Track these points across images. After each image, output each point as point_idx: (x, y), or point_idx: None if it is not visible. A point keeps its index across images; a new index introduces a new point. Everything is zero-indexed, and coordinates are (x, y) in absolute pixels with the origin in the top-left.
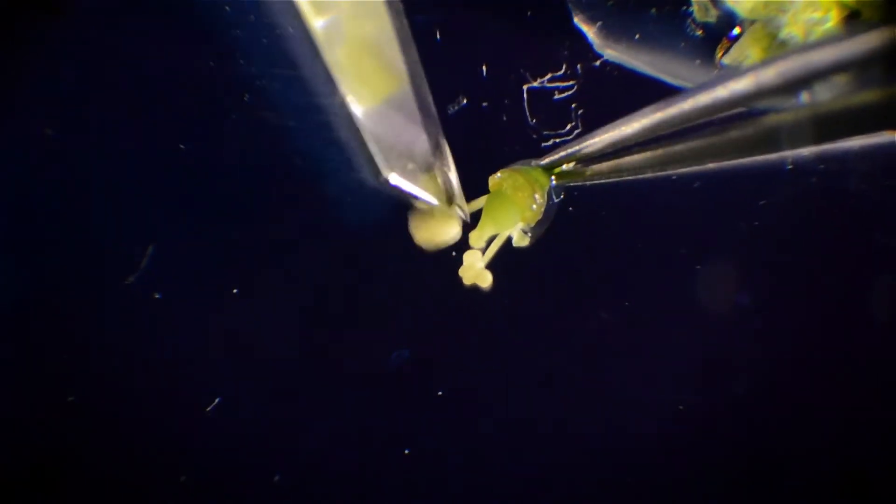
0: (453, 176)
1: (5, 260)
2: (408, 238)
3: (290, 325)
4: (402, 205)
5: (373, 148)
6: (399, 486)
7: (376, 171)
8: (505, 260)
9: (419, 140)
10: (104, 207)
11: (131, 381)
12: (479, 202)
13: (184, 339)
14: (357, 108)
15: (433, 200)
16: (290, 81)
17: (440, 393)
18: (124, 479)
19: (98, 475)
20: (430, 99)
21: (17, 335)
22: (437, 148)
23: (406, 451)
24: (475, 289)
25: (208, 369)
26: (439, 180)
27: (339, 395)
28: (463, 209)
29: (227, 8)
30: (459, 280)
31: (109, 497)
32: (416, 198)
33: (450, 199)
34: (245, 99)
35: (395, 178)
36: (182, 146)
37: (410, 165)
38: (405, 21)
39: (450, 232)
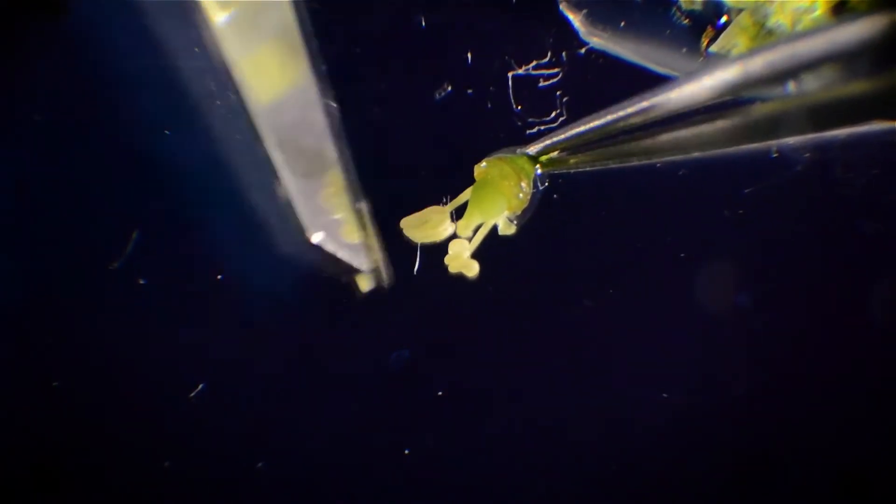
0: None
1: None
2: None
3: (278, 314)
4: None
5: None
6: (399, 485)
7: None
8: (490, 248)
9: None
10: (91, 195)
11: (114, 366)
12: (465, 195)
13: (168, 325)
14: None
15: (358, 259)
16: None
17: (440, 393)
18: (106, 463)
19: (79, 460)
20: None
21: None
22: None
23: (406, 451)
24: (461, 278)
25: (193, 357)
26: (356, 219)
27: (335, 393)
28: (374, 251)
29: None
30: (445, 269)
31: (91, 481)
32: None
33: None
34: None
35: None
36: (167, 132)
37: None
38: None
39: (441, 230)
